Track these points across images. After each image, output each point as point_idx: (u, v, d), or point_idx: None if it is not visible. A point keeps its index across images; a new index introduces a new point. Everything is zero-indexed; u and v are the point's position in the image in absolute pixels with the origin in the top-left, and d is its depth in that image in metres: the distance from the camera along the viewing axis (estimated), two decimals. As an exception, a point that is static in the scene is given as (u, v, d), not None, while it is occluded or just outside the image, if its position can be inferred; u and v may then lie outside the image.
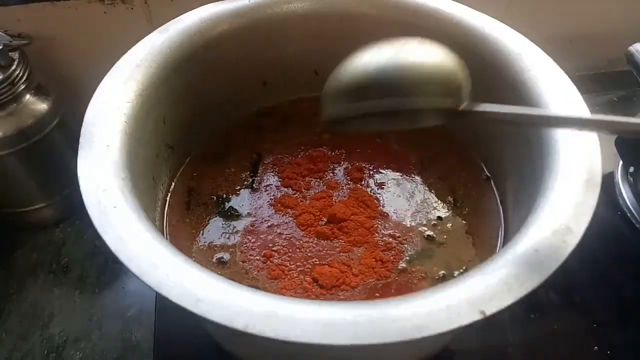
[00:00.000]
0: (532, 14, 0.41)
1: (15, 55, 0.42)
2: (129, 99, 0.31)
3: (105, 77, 0.32)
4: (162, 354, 0.39)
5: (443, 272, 0.33)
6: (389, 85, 0.22)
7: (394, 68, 0.22)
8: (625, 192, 0.46)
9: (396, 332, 0.21)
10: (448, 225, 0.36)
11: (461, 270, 0.34)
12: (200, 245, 0.35)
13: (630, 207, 0.45)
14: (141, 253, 0.24)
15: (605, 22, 0.59)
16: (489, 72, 0.35)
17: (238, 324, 0.21)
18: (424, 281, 0.33)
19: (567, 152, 0.28)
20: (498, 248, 0.34)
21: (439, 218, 0.37)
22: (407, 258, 0.34)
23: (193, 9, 0.38)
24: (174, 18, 0.37)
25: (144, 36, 0.48)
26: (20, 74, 0.42)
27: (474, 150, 0.40)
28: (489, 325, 0.31)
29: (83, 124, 0.29)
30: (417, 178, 0.39)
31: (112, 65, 0.33)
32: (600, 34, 0.60)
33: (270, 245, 0.34)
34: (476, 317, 0.22)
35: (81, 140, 0.28)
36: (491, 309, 0.22)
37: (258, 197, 0.38)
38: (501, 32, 0.36)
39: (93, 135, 0.28)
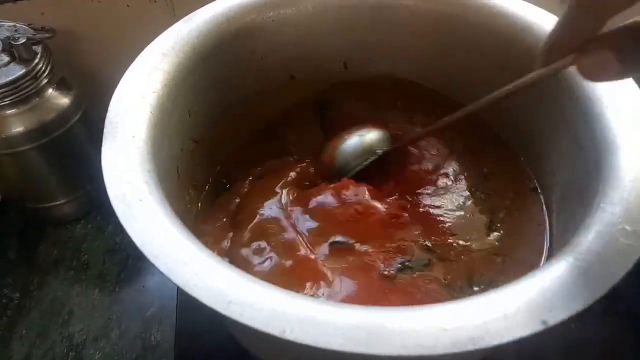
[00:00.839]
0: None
1: (39, 48, 0.41)
2: (154, 89, 0.30)
3: (130, 67, 0.31)
4: (183, 354, 0.37)
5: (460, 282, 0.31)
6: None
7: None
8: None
9: (449, 343, 0.19)
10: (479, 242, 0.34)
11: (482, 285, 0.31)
12: (228, 243, 0.34)
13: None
14: (168, 249, 0.22)
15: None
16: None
17: (274, 329, 0.19)
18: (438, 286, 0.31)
19: (628, 146, 0.26)
20: (542, 262, 0.32)
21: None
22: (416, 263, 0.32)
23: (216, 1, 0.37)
24: (197, 10, 0.36)
25: (167, 29, 0.48)
26: (43, 68, 0.41)
27: (522, 156, 0.38)
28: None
29: (107, 114, 0.28)
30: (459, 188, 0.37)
31: (135, 59, 0.32)
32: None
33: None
34: (538, 327, 0.19)
35: (105, 130, 0.27)
36: (554, 318, 0.20)
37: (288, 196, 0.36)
38: (551, 22, 0.33)
39: (117, 125, 0.27)
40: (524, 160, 0.37)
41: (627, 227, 0.23)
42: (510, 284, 0.22)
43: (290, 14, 0.37)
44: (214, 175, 0.38)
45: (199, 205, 0.36)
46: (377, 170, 0.37)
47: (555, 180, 0.33)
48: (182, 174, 0.33)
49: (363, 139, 0.37)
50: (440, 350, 0.19)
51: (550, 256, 0.31)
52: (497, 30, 0.35)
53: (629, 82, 0.29)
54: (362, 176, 0.36)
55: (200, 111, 0.35)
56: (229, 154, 0.39)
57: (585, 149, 0.29)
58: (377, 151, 0.36)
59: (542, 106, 0.34)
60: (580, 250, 0.22)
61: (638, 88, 0.29)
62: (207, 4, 0.36)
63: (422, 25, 0.38)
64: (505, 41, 0.35)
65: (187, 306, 0.40)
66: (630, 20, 0.20)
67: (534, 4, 0.35)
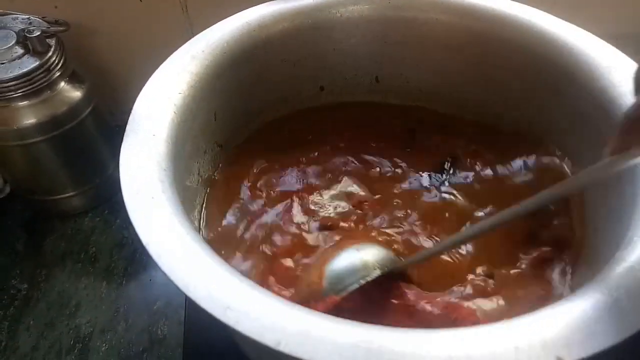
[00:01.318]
0: (576, 10, 0.39)
1: (52, 41, 0.42)
2: (180, 90, 0.30)
3: (159, 68, 0.31)
4: (192, 348, 0.38)
5: None
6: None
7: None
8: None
9: None
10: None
11: None
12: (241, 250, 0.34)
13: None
14: (173, 250, 0.22)
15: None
16: (574, 86, 0.32)
17: (269, 340, 0.19)
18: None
19: None
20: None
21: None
22: None
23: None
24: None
25: (178, 26, 0.48)
26: (56, 61, 0.42)
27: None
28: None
29: (132, 112, 0.28)
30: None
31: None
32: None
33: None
34: None
35: (128, 127, 0.27)
36: (570, 356, 0.18)
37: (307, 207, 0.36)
38: (587, 43, 0.33)
39: (141, 123, 0.28)
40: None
41: None
42: (527, 314, 0.21)
43: (323, 24, 0.37)
44: (237, 178, 0.37)
45: (219, 207, 0.36)
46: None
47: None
48: (203, 176, 0.34)
49: (359, 254, 0.31)
50: None
51: (573, 285, 0.30)
52: (535, 51, 0.34)
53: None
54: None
55: (226, 115, 0.35)
56: (253, 161, 0.38)
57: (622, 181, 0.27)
58: (377, 270, 0.29)
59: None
60: (609, 285, 0.21)
61: None
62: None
63: (456, 42, 0.38)
64: (544, 60, 0.34)
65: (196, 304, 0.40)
66: None
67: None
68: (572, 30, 0.34)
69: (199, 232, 0.34)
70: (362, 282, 0.29)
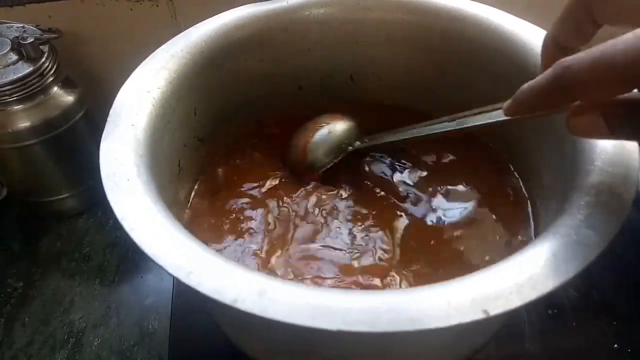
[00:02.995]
0: (552, 12, 0.41)
1: (45, 48, 0.44)
2: (159, 85, 0.32)
3: (139, 66, 0.33)
4: (177, 340, 0.39)
5: None
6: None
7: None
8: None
9: (387, 322, 0.20)
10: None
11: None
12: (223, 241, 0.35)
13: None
14: (144, 224, 0.24)
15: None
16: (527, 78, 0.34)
17: (227, 299, 0.21)
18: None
19: (603, 163, 0.26)
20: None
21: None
22: None
23: (217, 5, 0.39)
24: (198, 15, 0.38)
25: (169, 33, 0.49)
26: (49, 67, 0.43)
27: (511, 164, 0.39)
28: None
29: (113, 104, 0.30)
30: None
31: (137, 60, 0.34)
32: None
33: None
34: (478, 316, 0.20)
35: (109, 118, 0.29)
36: (496, 309, 0.20)
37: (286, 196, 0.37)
38: (536, 36, 0.34)
39: (120, 115, 0.29)
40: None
41: (587, 233, 0.23)
42: (464, 277, 0.22)
43: (298, 26, 0.39)
44: (217, 172, 0.39)
45: (199, 199, 0.38)
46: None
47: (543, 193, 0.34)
48: (183, 168, 0.35)
49: (334, 134, 0.38)
50: (378, 328, 0.20)
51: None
52: (504, 53, 0.35)
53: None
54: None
55: (206, 112, 0.37)
56: (232, 157, 0.40)
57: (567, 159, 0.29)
58: (349, 148, 0.37)
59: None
60: (538, 249, 0.23)
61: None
62: (208, 8, 0.38)
63: (424, 41, 0.39)
64: (513, 63, 0.35)
65: (181, 296, 0.42)
66: (627, 95, 0.20)
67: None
68: (527, 26, 0.35)
69: (183, 217, 0.36)
70: (336, 160, 0.37)
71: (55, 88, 0.45)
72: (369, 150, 0.39)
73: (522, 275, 0.22)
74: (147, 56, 0.34)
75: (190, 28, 0.36)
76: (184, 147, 0.35)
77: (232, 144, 0.40)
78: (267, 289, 0.21)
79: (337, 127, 0.38)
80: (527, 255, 0.23)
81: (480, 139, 0.40)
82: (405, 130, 0.36)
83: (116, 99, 0.31)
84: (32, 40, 0.42)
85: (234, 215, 0.36)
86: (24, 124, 0.43)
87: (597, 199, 0.25)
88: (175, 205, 0.33)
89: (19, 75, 0.41)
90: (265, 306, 0.21)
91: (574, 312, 0.39)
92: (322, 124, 0.38)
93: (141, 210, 0.25)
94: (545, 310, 0.39)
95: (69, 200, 0.50)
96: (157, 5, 0.49)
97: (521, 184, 0.37)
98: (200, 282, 0.22)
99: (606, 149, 0.27)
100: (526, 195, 0.36)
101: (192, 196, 0.37)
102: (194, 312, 0.40)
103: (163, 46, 0.35)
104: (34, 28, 0.44)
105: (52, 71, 0.44)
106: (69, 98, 0.45)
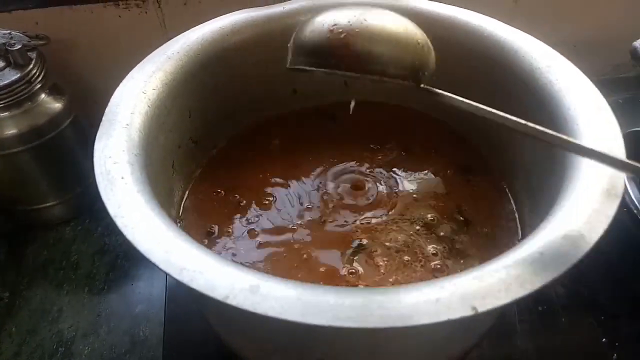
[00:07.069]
0: (536, 19, 0.42)
1: (33, 55, 0.43)
2: (155, 87, 0.32)
3: (136, 67, 0.33)
4: (171, 346, 0.39)
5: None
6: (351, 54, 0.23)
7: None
8: (631, 189, 0.46)
9: (377, 318, 0.20)
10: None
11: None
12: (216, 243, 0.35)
13: (637, 203, 0.45)
14: (137, 221, 0.24)
15: (610, 27, 0.60)
16: (519, 85, 0.34)
17: (219, 294, 0.21)
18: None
19: (589, 163, 0.27)
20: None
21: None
22: None
23: (206, 13, 0.39)
24: (187, 22, 0.38)
25: (157, 40, 0.50)
26: (37, 73, 0.43)
27: (492, 159, 0.40)
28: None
29: (108, 104, 0.30)
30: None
31: (126, 67, 0.34)
32: (604, 40, 0.60)
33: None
34: (467, 312, 0.21)
35: (104, 118, 0.29)
36: (484, 306, 0.21)
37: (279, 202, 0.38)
38: (526, 43, 0.35)
39: (116, 114, 0.30)
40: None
41: (574, 231, 0.24)
42: (454, 275, 0.23)
43: (293, 30, 0.38)
44: (210, 174, 0.39)
45: (192, 201, 0.38)
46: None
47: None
48: (177, 169, 0.35)
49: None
50: (369, 324, 0.20)
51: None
52: (480, 53, 0.36)
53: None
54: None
55: (201, 114, 0.37)
56: (226, 158, 0.40)
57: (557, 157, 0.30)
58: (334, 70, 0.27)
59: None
60: (526, 248, 0.23)
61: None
62: (197, 16, 0.39)
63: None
64: (490, 62, 0.36)
65: (175, 301, 0.41)
66: None
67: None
68: (513, 32, 0.36)
69: (178, 214, 0.36)
70: (313, 69, 0.27)
71: (43, 95, 0.44)
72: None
73: (510, 274, 0.22)
74: (135, 63, 0.35)
75: (187, 31, 0.37)
76: (178, 148, 0.35)
77: (226, 145, 0.40)
78: (259, 286, 0.22)
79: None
80: (515, 254, 0.24)
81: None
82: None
83: (112, 99, 0.31)
84: (19, 46, 0.42)
85: (227, 215, 0.36)
86: (10, 131, 0.42)
87: (583, 199, 0.25)
88: (168, 204, 0.33)
89: (6, 82, 0.41)
90: (257, 302, 0.21)
91: (563, 308, 0.40)
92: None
93: (134, 208, 0.25)
94: (536, 307, 0.40)
95: (56, 208, 0.49)
96: (146, 13, 0.49)
97: (506, 184, 0.38)
98: (192, 278, 0.22)
99: (593, 148, 0.27)
100: (511, 196, 0.37)
101: (185, 196, 0.37)
102: (188, 317, 0.40)
103: (159, 48, 0.35)
104: (22, 34, 0.44)
105: (40, 78, 0.43)
106: (56, 105, 0.45)
